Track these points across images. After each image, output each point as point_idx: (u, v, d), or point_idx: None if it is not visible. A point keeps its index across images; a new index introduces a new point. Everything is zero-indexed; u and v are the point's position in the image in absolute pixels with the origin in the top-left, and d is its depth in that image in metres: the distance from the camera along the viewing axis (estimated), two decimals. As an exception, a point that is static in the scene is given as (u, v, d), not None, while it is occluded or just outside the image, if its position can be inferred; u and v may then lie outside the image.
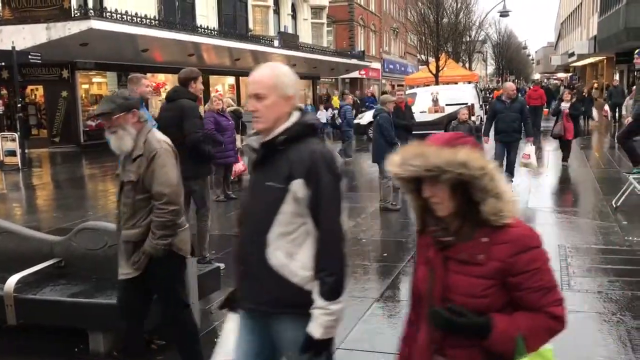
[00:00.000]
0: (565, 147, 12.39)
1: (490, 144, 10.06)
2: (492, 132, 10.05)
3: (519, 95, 10.37)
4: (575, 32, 51.79)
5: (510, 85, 10.12)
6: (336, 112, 23.98)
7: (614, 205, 8.08)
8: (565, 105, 12.36)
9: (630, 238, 6.53)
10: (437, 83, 30.10)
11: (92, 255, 4.34)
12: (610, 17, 29.38)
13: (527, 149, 10.00)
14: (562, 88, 43.15)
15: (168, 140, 3.46)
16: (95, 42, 16.82)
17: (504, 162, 9.44)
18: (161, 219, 3.17)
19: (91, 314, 3.96)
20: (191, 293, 4.04)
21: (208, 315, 4.62)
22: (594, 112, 20.85)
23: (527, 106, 11.22)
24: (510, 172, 9.48)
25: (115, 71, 20.94)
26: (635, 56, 7.86)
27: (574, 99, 13.09)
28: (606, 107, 21.25)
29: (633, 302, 4.57)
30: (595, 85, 21.80)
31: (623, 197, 8.14)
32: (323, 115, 23.77)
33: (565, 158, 12.38)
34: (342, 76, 40.81)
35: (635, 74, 8.34)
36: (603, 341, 3.95)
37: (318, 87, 37.54)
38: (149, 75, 21.92)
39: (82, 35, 15.92)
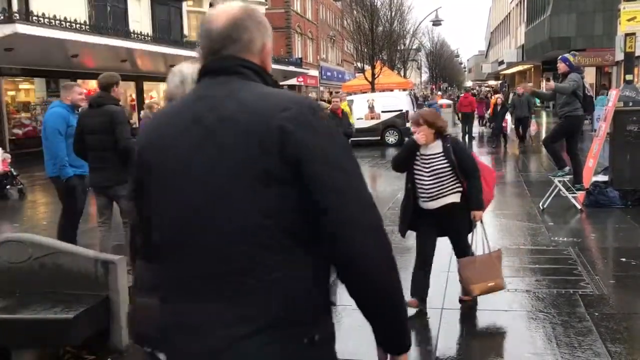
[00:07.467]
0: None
1: None
2: None
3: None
4: (504, 41, 53.86)
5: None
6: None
7: (541, 207, 8.41)
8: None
9: (556, 238, 6.81)
10: (373, 90, 30.60)
11: (16, 269, 4.14)
12: (536, 27, 30.71)
13: None
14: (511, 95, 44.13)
15: None
16: (21, 47, 16.14)
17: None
18: None
19: (15, 331, 3.77)
20: (122, 303, 3.93)
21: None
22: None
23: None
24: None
25: (43, 77, 20.18)
26: (558, 62, 8.20)
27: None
28: (507, 117, 18.27)
29: (557, 300, 4.77)
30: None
31: (549, 199, 8.50)
32: None
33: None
34: (280, 83, 40.74)
35: (560, 79, 8.61)
36: (531, 338, 4.09)
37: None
38: (79, 81, 21.29)
39: (6, 40, 15.25)
